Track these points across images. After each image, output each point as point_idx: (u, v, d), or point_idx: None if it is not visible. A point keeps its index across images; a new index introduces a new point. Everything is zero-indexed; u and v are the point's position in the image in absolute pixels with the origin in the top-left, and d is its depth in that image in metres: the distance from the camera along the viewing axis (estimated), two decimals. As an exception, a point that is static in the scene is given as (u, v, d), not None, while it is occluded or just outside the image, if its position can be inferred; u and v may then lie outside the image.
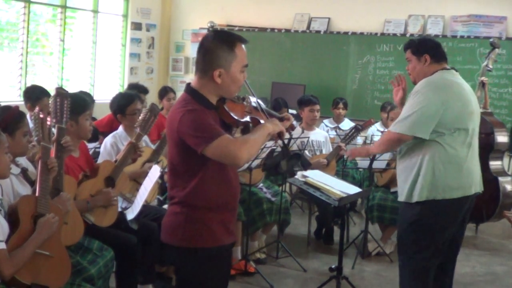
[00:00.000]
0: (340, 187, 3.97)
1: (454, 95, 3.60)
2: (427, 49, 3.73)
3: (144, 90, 6.42)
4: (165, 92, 6.76)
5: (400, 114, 3.71)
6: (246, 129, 2.88)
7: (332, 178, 4.18)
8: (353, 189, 4.02)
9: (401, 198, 3.73)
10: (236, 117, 2.74)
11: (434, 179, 3.56)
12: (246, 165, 4.96)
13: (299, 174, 4.06)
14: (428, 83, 3.63)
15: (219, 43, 2.63)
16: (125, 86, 9.26)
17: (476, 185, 3.71)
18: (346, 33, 8.98)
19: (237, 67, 2.66)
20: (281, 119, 2.91)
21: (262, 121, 2.81)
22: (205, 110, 2.64)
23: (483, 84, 6.37)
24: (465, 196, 3.63)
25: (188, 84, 2.75)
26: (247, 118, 2.80)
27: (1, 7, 7.64)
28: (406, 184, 3.67)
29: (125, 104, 4.67)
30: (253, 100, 2.86)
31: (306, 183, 3.96)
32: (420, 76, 3.75)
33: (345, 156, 7.17)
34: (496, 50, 6.40)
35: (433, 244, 3.66)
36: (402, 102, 3.91)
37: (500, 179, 6.21)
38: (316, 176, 4.03)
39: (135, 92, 5.07)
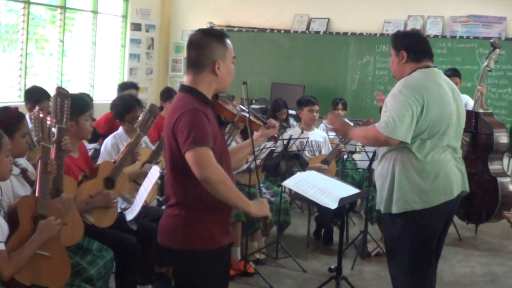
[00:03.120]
0: (335, 191, 3.87)
1: (432, 99, 3.40)
2: (405, 45, 3.54)
3: (135, 86, 6.49)
4: (169, 95, 6.61)
5: (383, 112, 3.50)
6: (245, 130, 2.94)
7: (327, 182, 4.03)
8: (350, 190, 3.99)
9: (380, 207, 3.60)
10: (231, 110, 2.85)
11: (409, 190, 3.43)
12: (245, 166, 4.96)
13: (288, 183, 4.02)
14: (407, 86, 3.43)
15: (212, 37, 2.73)
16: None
17: (458, 187, 3.55)
18: (345, 33, 8.99)
19: (229, 58, 2.76)
20: (265, 124, 3.00)
21: (253, 120, 2.94)
22: (203, 109, 2.65)
23: (481, 92, 6.40)
24: (447, 201, 3.49)
25: (182, 84, 2.78)
26: (240, 114, 2.90)
27: (1, 9, 7.64)
28: (382, 192, 3.55)
29: (124, 112, 4.70)
30: (241, 105, 2.98)
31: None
32: (397, 73, 3.61)
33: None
34: (497, 50, 6.41)
35: (423, 254, 3.55)
36: None
37: (500, 179, 6.21)
38: (308, 184, 3.96)
39: (135, 99, 5.00)
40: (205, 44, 2.70)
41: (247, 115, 2.94)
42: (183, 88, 2.76)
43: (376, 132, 3.45)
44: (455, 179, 3.52)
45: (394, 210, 3.48)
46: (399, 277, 3.64)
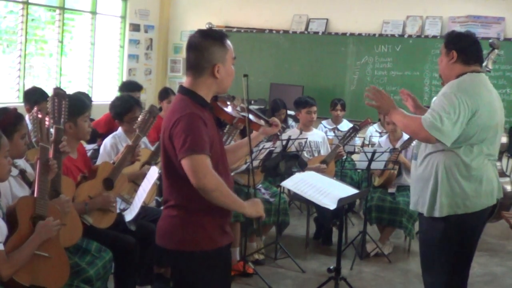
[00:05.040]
0: (334, 191, 3.87)
1: (484, 106, 3.36)
2: (458, 46, 3.45)
3: (138, 87, 6.44)
4: (166, 94, 6.70)
5: (431, 109, 3.41)
6: (244, 130, 2.92)
7: (326, 182, 4.04)
8: (349, 191, 3.99)
9: (419, 209, 3.54)
10: (230, 113, 2.81)
11: (454, 195, 3.38)
12: (244, 166, 4.96)
13: (287, 183, 4.02)
14: (461, 89, 3.37)
15: (211, 40, 2.70)
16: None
17: (497, 192, 3.54)
18: (344, 34, 9.00)
19: (229, 60, 2.74)
20: (269, 124, 2.98)
21: (254, 120, 2.89)
22: (201, 112, 2.63)
23: None
24: (488, 207, 3.48)
25: (182, 86, 2.77)
26: (240, 116, 2.87)
27: (1, 9, 7.64)
28: (423, 195, 3.48)
29: (123, 112, 4.71)
30: (243, 104, 2.94)
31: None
32: (445, 72, 3.54)
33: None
34: (496, 51, 6.37)
35: (461, 259, 3.51)
36: (418, 106, 3.79)
37: (499, 179, 6.19)
38: (307, 184, 3.96)
39: (134, 100, 5.00)
40: (204, 47, 2.67)
41: (247, 115, 2.90)
42: (182, 90, 2.74)
43: (418, 126, 3.38)
44: (495, 185, 3.50)
45: (438, 214, 3.41)
46: (436, 284, 3.55)
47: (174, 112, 2.66)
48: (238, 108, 2.93)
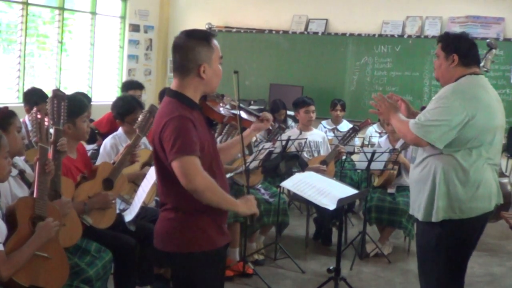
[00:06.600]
0: (334, 192, 3.87)
1: (482, 108, 3.28)
2: (458, 49, 3.38)
3: (140, 86, 6.44)
4: None
5: (421, 112, 3.39)
6: (243, 130, 2.93)
7: (326, 182, 4.04)
8: (349, 191, 3.99)
9: (415, 214, 3.50)
10: (220, 112, 2.80)
11: (450, 199, 3.31)
12: (244, 167, 4.95)
13: (287, 184, 4.01)
14: (456, 91, 3.31)
15: (195, 40, 2.67)
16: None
17: (495, 198, 3.44)
18: (344, 34, 9.00)
19: (216, 59, 2.71)
20: (259, 118, 2.97)
21: (244, 117, 2.89)
22: (190, 114, 2.62)
23: None
24: (487, 213, 3.40)
25: (169, 88, 2.75)
26: (230, 114, 2.85)
27: (0, 9, 7.64)
28: (420, 198, 3.43)
29: (125, 113, 4.70)
30: (232, 100, 2.93)
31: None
32: (445, 76, 3.44)
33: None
34: (493, 51, 6.36)
35: (457, 265, 3.46)
36: (411, 112, 3.66)
37: (498, 180, 6.19)
38: (307, 185, 3.96)
39: (136, 101, 4.99)
40: (189, 48, 2.65)
41: (238, 112, 2.87)
42: (170, 92, 2.72)
43: (406, 130, 3.36)
44: (493, 190, 3.42)
45: (434, 218, 3.35)
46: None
47: (163, 115, 2.64)
48: (228, 106, 2.90)
